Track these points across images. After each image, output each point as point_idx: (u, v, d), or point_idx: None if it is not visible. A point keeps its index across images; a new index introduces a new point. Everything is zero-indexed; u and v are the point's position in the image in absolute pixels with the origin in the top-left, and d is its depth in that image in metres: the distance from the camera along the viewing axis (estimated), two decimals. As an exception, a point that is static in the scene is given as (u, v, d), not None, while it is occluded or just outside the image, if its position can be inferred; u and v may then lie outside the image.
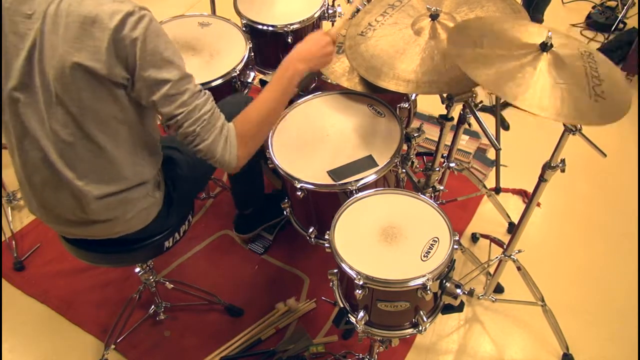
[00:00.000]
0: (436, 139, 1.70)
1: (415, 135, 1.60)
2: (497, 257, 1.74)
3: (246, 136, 1.24)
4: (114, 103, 1.13)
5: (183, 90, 1.14)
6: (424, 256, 1.23)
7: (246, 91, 1.92)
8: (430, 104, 2.38)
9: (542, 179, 1.45)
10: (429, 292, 1.18)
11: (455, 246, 1.24)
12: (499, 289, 1.95)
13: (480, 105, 1.55)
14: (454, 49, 1.25)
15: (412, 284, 1.18)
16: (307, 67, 1.35)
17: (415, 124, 2.06)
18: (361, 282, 1.19)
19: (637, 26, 3.05)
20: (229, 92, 1.83)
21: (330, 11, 2.00)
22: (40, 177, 1.22)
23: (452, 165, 1.84)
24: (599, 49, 2.92)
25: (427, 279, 1.17)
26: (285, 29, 1.91)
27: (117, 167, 1.22)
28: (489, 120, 2.49)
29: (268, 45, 2.01)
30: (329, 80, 1.71)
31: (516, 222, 1.62)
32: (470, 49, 1.23)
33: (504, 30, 1.31)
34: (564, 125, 1.29)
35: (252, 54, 1.90)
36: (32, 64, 1.09)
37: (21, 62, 1.09)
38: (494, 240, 2.01)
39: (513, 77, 1.16)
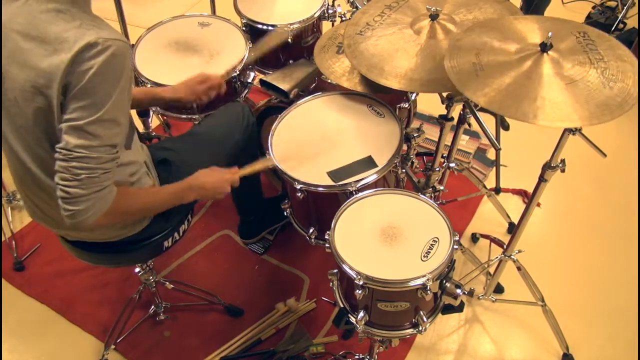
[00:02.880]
0: (436, 139, 1.70)
1: (415, 135, 1.60)
2: (497, 257, 1.74)
3: (118, 211, 1.17)
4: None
5: (99, 135, 1.05)
6: (424, 256, 1.23)
7: (246, 92, 1.92)
8: (430, 104, 2.38)
9: (542, 179, 1.45)
10: (429, 292, 1.18)
11: (455, 246, 1.24)
12: (499, 289, 1.95)
13: (480, 105, 1.55)
14: (458, 80, 1.22)
15: (412, 284, 1.18)
16: (198, 197, 1.37)
17: (415, 124, 2.06)
18: (361, 282, 1.19)
19: (637, 26, 3.05)
20: (229, 92, 1.83)
21: (330, 11, 2.00)
22: (27, 186, 1.22)
23: (452, 165, 1.84)
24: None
25: (427, 279, 1.17)
26: (285, 28, 1.91)
27: None
28: (489, 120, 2.48)
29: (268, 45, 2.00)
30: (329, 81, 1.71)
31: (516, 222, 1.62)
32: (473, 74, 1.21)
33: (497, 39, 1.30)
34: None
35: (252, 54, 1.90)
36: (2, 79, 1.07)
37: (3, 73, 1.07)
38: (494, 240, 2.01)
39: (526, 92, 1.15)
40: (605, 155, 1.33)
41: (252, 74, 1.94)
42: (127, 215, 1.28)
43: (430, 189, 1.82)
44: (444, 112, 1.58)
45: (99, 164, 1.07)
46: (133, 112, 1.39)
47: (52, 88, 1.02)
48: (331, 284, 1.37)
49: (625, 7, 3.12)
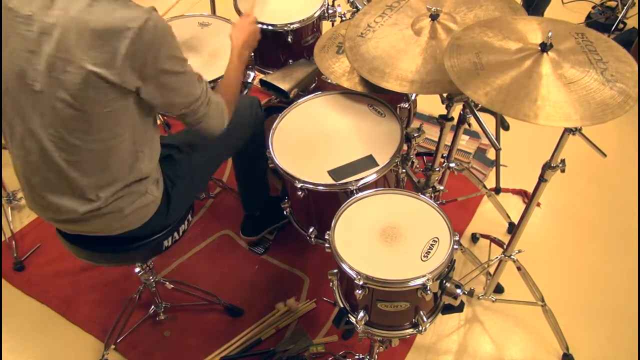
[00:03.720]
0: (436, 139, 1.70)
1: (415, 135, 1.59)
2: (497, 257, 1.74)
3: (230, 102, 1.42)
4: (124, 107, 1.16)
5: (200, 102, 1.27)
6: (424, 256, 1.23)
7: (246, 91, 1.92)
8: (430, 104, 2.38)
9: (542, 179, 1.45)
10: (429, 292, 1.18)
11: (455, 246, 1.24)
12: (499, 289, 1.95)
13: (480, 105, 1.55)
14: (458, 79, 1.22)
15: (412, 284, 1.18)
16: (245, 47, 1.59)
17: (415, 124, 2.06)
18: (361, 282, 1.19)
19: (637, 26, 3.05)
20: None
21: (330, 11, 2.00)
22: (41, 177, 1.23)
23: (452, 165, 1.84)
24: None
25: (427, 279, 1.17)
26: (285, 28, 1.91)
27: (119, 165, 1.24)
28: (489, 120, 2.48)
29: (268, 45, 2.00)
30: (329, 80, 1.71)
31: (516, 222, 1.62)
32: (473, 73, 1.21)
33: (497, 38, 1.30)
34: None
35: (252, 54, 1.90)
36: (37, 69, 1.09)
37: (23, 65, 1.09)
38: (494, 240, 2.01)
39: (526, 91, 1.14)
40: (605, 155, 1.33)
41: (252, 74, 1.94)
42: (234, 95, 1.49)
43: (430, 189, 1.82)
44: (444, 112, 1.58)
45: (209, 104, 1.31)
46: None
47: (115, 68, 1.09)
48: (331, 284, 1.37)
49: (625, 7, 3.12)
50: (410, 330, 1.31)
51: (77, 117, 1.13)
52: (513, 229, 1.86)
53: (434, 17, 1.47)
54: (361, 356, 1.70)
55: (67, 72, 1.08)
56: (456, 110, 1.59)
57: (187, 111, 1.27)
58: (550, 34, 1.20)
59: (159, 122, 2.47)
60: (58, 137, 1.16)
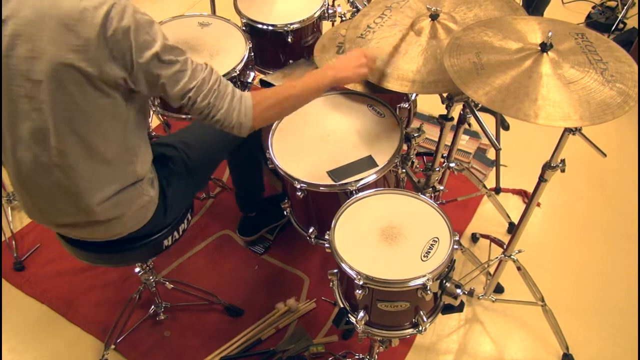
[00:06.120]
0: (436, 139, 1.70)
1: (415, 135, 1.59)
2: (497, 257, 1.74)
3: (261, 103, 1.26)
4: (107, 103, 1.12)
5: (186, 66, 1.15)
6: (424, 256, 1.23)
7: (246, 91, 1.92)
8: (430, 104, 2.38)
9: (542, 179, 1.45)
10: (429, 292, 1.18)
11: (455, 246, 1.24)
12: (499, 289, 1.95)
13: (480, 105, 1.55)
14: (458, 79, 1.22)
15: (412, 284, 1.18)
16: (337, 75, 1.39)
17: (415, 124, 2.06)
18: (361, 282, 1.19)
19: (637, 26, 3.05)
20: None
21: (330, 11, 2.00)
22: (35, 183, 1.21)
23: (452, 165, 1.84)
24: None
25: (427, 279, 1.17)
26: (285, 28, 1.91)
27: (110, 167, 1.22)
28: (489, 120, 2.49)
29: (268, 45, 2.01)
30: (329, 80, 1.71)
31: (516, 222, 1.62)
32: (473, 73, 1.21)
33: (497, 38, 1.30)
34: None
35: (252, 53, 1.90)
36: (13, 73, 1.06)
37: (6, 72, 1.06)
38: (494, 240, 2.01)
39: (526, 91, 1.14)
40: (605, 155, 1.33)
41: (252, 74, 1.94)
42: (274, 105, 1.29)
43: (430, 189, 1.82)
44: (444, 112, 1.58)
45: (209, 82, 1.17)
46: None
47: (90, 59, 1.05)
48: (331, 284, 1.37)
49: (625, 7, 3.12)
50: (410, 330, 1.32)
51: (59, 119, 1.10)
52: (513, 229, 1.86)
53: (433, 17, 1.47)
54: (361, 356, 1.70)
55: (44, 72, 1.05)
56: (456, 110, 1.59)
57: (185, 102, 1.17)
58: (550, 34, 1.20)
59: (159, 122, 2.49)
60: (45, 142, 1.13)
